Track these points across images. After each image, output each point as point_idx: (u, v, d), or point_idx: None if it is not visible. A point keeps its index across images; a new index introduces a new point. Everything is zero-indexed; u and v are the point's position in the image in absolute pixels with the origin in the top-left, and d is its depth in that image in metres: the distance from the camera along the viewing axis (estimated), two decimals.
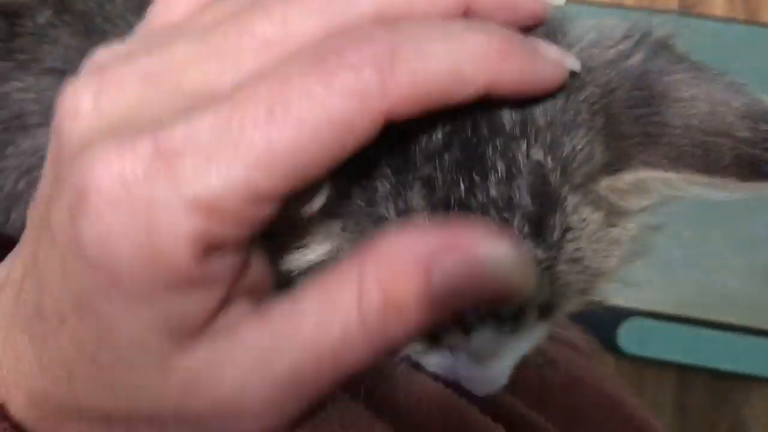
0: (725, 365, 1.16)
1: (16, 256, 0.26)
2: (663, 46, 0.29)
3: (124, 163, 0.21)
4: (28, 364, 0.24)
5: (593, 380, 0.45)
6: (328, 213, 0.27)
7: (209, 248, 0.22)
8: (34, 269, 0.24)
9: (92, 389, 0.24)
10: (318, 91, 0.21)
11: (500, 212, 0.27)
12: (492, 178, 0.27)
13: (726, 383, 1.17)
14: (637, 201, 0.29)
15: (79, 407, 0.24)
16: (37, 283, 0.24)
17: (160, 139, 0.21)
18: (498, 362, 0.33)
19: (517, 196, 0.27)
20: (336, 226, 0.28)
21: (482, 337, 0.31)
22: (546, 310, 0.31)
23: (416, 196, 0.28)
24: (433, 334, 0.31)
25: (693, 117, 0.27)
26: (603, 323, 1.15)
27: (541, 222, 0.28)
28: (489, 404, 0.37)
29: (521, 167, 0.27)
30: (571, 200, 0.28)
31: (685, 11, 1.33)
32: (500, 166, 0.27)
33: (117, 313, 0.22)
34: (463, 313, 0.29)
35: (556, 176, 0.28)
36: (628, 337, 1.15)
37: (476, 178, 0.27)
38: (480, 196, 0.27)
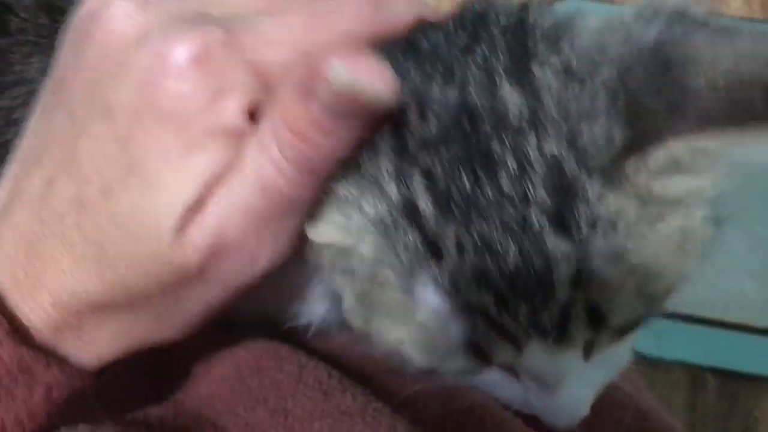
0: (737, 366, 1.16)
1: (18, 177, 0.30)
2: (680, 15, 0.28)
3: (203, 37, 0.27)
4: (55, 263, 0.28)
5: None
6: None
7: (251, 111, 0.27)
8: (72, 163, 0.28)
9: (118, 267, 0.28)
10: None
11: (515, 208, 0.27)
12: (503, 174, 0.27)
13: (738, 384, 1.16)
14: (678, 183, 0.28)
15: (103, 295, 0.28)
16: (76, 176, 0.28)
17: (227, 27, 0.27)
18: (569, 389, 0.30)
19: (532, 191, 0.26)
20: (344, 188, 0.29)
21: (534, 352, 0.28)
22: (596, 318, 0.28)
23: (418, 185, 0.27)
24: (480, 350, 0.29)
25: (717, 75, 0.26)
26: None
27: (562, 215, 0.26)
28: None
29: (533, 162, 0.27)
30: (593, 188, 0.26)
31: None
32: (510, 162, 0.27)
33: (166, 168, 0.27)
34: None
35: (572, 166, 0.26)
36: (641, 336, 1.14)
37: (481, 173, 0.27)
38: (489, 192, 0.27)
